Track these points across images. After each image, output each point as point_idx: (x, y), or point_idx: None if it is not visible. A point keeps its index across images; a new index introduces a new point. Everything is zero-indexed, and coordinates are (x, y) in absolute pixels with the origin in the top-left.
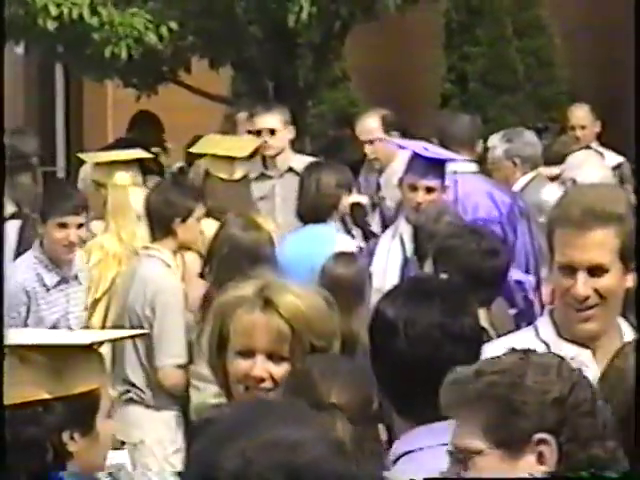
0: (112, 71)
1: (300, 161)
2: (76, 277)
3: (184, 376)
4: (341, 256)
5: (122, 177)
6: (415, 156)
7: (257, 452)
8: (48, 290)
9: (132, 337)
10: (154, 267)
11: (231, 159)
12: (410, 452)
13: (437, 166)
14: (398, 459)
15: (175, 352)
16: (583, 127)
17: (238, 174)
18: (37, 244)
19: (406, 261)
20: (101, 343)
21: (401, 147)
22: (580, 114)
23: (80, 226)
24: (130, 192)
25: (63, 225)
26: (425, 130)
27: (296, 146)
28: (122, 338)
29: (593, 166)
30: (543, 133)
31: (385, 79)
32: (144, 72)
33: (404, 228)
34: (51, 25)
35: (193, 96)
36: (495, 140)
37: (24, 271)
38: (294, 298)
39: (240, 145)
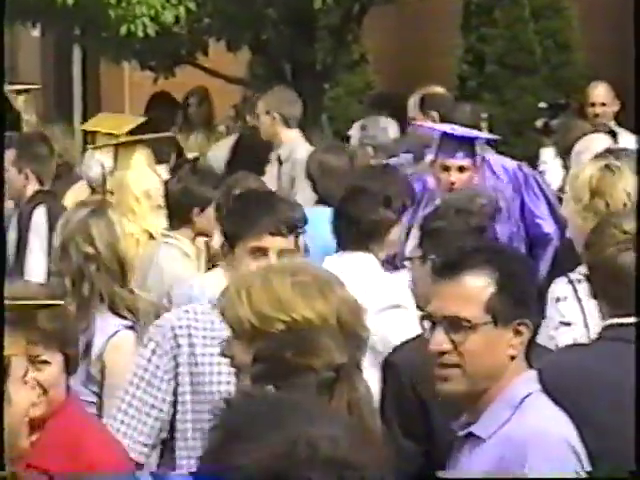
0: (129, 53)
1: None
2: None
3: None
4: None
5: (138, 159)
6: (445, 136)
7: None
8: None
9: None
10: (173, 256)
11: (114, 136)
12: None
13: (467, 145)
14: None
15: None
16: (603, 104)
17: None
18: None
19: None
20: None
21: (429, 128)
22: (600, 91)
23: None
24: (145, 174)
25: None
26: None
27: (315, 128)
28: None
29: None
30: (562, 111)
31: (402, 61)
32: (161, 54)
33: None
34: (70, 1)
35: (210, 78)
36: (353, 129)
37: None
38: (256, 284)
39: (120, 123)
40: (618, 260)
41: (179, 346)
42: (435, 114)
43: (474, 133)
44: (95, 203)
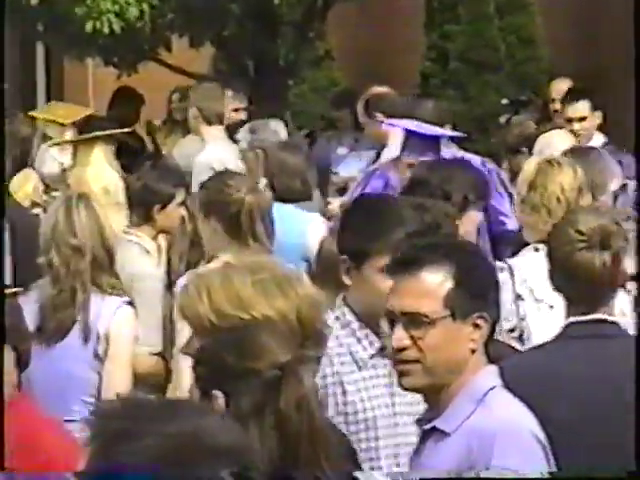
0: (93, 49)
1: None
2: None
3: (159, 364)
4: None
5: (97, 155)
6: (410, 133)
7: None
8: None
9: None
10: (133, 253)
11: (59, 124)
12: None
13: (433, 143)
14: None
15: (150, 340)
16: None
17: (67, 138)
18: None
19: None
20: None
21: (392, 125)
22: (562, 87)
23: None
24: (104, 170)
25: None
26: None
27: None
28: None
29: (560, 148)
30: (524, 107)
31: (366, 58)
32: (124, 50)
33: None
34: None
35: (174, 75)
36: (242, 131)
37: None
38: (215, 281)
39: (68, 113)
40: (573, 260)
41: None
42: (380, 115)
43: (440, 131)
44: (77, 195)
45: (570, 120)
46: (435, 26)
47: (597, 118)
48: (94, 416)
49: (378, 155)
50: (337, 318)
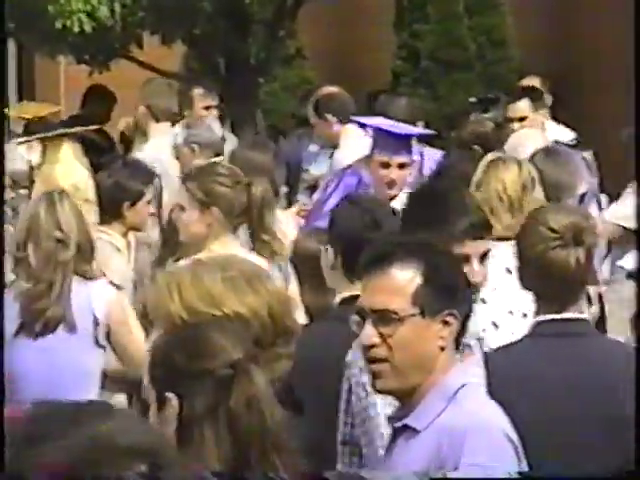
0: (64, 46)
1: None
2: None
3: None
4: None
5: (66, 153)
6: (383, 132)
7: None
8: None
9: None
10: (104, 250)
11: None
12: None
13: (406, 141)
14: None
15: None
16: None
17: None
18: None
19: None
20: None
21: (364, 125)
22: (532, 85)
23: None
24: (73, 167)
25: None
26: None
27: (249, 122)
28: None
29: (531, 146)
30: (493, 105)
31: (337, 57)
32: (96, 48)
33: None
34: None
35: (146, 72)
36: (177, 128)
37: None
38: (185, 278)
39: (37, 110)
40: (547, 258)
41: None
42: (330, 116)
43: (412, 129)
44: (59, 190)
45: (510, 120)
46: (405, 25)
47: (543, 116)
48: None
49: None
50: None
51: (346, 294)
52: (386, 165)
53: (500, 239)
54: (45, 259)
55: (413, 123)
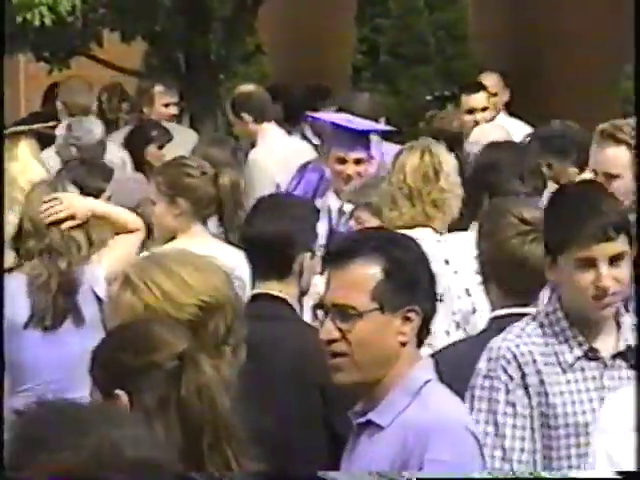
0: (24, 44)
1: None
2: None
3: None
4: None
5: (23, 150)
6: (340, 128)
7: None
8: None
9: None
10: None
11: None
12: None
13: (363, 137)
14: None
15: None
16: (495, 94)
17: None
18: None
19: (332, 233)
20: None
21: (324, 120)
22: (490, 82)
23: None
24: (30, 165)
25: None
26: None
27: (209, 119)
28: None
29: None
30: (450, 102)
31: (298, 52)
32: (56, 45)
33: (332, 201)
34: None
35: (106, 70)
36: (59, 128)
37: None
38: (157, 273)
39: None
40: (523, 250)
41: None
42: (246, 115)
43: (369, 125)
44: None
45: (472, 111)
46: (366, 20)
47: (505, 96)
48: (18, 418)
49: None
50: (547, 315)
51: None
52: (342, 161)
53: (400, 228)
54: (51, 250)
55: (375, 119)
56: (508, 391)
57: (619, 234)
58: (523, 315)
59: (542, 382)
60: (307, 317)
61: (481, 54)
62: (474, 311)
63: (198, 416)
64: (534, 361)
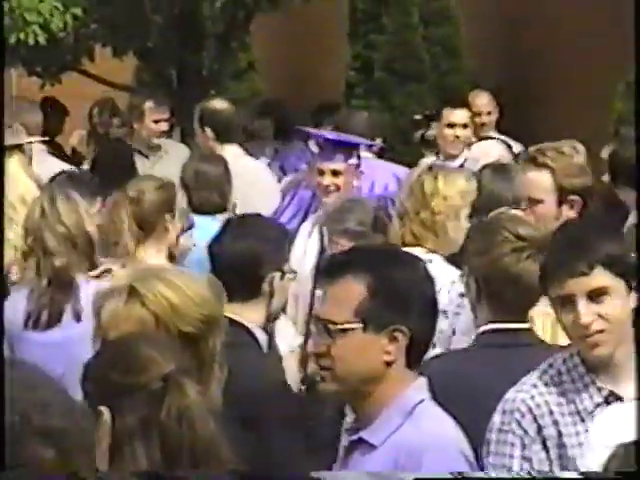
0: (16, 59)
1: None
2: None
3: None
4: None
5: (12, 165)
6: (323, 141)
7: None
8: None
9: None
10: None
11: None
12: None
13: (343, 149)
14: None
15: None
16: (489, 113)
17: None
18: None
19: (323, 249)
20: None
21: (310, 134)
22: (483, 101)
23: None
24: (20, 179)
25: None
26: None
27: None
28: None
29: (496, 157)
30: (435, 121)
31: (290, 68)
32: (48, 61)
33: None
34: None
35: (98, 85)
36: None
37: None
38: (162, 286)
39: None
40: (518, 267)
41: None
42: (209, 130)
43: (349, 138)
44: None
45: (453, 125)
46: (359, 36)
47: (496, 114)
48: None
49: None
50: (564, 360)
51: None
52: (321, 172)
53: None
54: (53, 255)
55: (372, 139)
56: (524, 446)
57: (593, 268)
58: (511, 330)
59: (560, 434)
60: (279, 343)
61: (474, 70)
62: (454, 333)
63: (177, 440)
64: (551, 412)
